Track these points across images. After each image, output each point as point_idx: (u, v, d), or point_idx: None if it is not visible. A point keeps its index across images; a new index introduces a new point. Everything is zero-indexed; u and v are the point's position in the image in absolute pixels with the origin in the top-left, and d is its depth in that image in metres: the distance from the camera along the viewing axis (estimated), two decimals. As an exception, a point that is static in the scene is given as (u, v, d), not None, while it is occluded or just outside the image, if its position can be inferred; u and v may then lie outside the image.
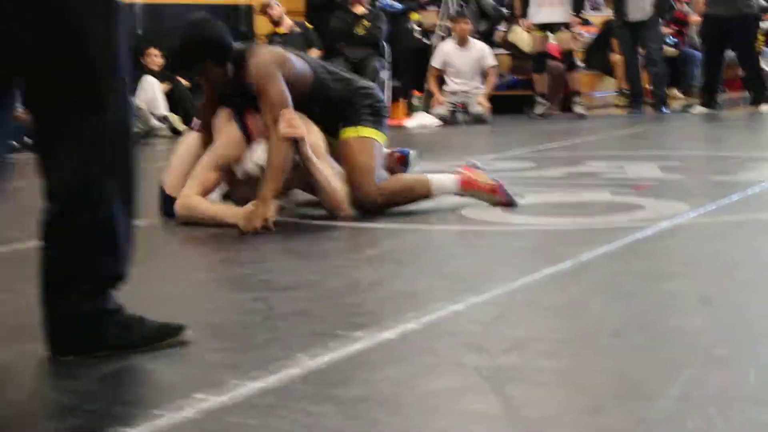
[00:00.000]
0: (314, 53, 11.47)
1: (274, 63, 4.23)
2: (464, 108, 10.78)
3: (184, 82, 10.80)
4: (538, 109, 10.81)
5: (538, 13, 10.66)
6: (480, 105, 10.63)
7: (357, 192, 4.24)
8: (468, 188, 4.40)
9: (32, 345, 2.52)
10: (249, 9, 12.28)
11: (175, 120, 10.32)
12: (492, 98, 10.95)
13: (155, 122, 10.07)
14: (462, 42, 10.89)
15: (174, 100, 10.51)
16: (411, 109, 11.52)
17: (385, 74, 11.20)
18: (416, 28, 12.12)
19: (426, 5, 12.77)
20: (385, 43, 11.32)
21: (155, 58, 10.75)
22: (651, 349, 2.33)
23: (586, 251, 3.38)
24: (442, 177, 4.44)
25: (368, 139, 4.42)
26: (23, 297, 3.08)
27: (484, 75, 10.92)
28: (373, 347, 2.38)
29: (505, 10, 12.47)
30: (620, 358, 2.28)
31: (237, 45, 4.34)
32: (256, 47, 4.49)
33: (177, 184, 4.30)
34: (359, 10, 11.19)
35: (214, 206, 4.18)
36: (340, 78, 4.54)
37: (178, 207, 4.16)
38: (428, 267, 3.36)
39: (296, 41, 11.57)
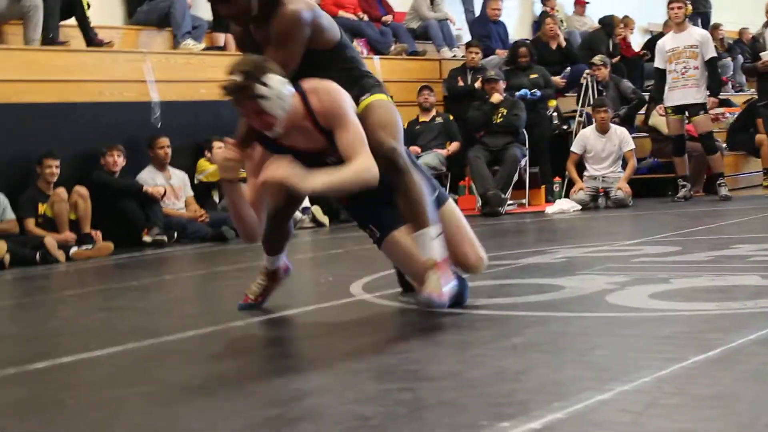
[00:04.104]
0: (454, 146, 11.60)
1: (306, 23, 4.03)
2: (605, 193, 10.70)
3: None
4: (681, 192, 10.65)
5: (671, 97, 10.56)
6: (620, 189, 10.54)
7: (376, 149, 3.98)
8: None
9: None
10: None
11: (318, 212, 10.47)
12: (634, 182, 10.84)
13: (298, 214, 10.23)
14: (602, 129, 10.86)
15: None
16: (551, 196, 11.48)
17: (524, 161, 11.22)
18: (554, 114, 12.11)
19: (564, 91, 12.77)
20: (524, 131, 11.35)
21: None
22: (810, 440, 2.23)
23: (736, 338, 3.28)
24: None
25: (381, 102, 4.18)
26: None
27: (624, 160, 10.86)
28: (520, 438, 2.34)
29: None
30: (778, 450, 2.19)
31: None
32: None
33: None
34: (496, 98, 11.26)
35: None
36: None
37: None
38: (573, 355, 3.30)
39: (435, 130, 11.70)
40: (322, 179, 3.78)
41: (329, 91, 3.95)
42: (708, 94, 10.53)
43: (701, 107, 10.47)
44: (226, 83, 3.78)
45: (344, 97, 3.98)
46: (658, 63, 10.80)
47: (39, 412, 3.06)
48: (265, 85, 3.78)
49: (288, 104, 3.86)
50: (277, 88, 3.82)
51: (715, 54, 10.75)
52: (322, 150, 4.00)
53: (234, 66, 3.80)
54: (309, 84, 3.98)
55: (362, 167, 3.85)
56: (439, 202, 4.33)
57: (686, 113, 10.57)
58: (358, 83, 4.20)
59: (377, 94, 4.19)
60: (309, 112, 3.93)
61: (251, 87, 3.78)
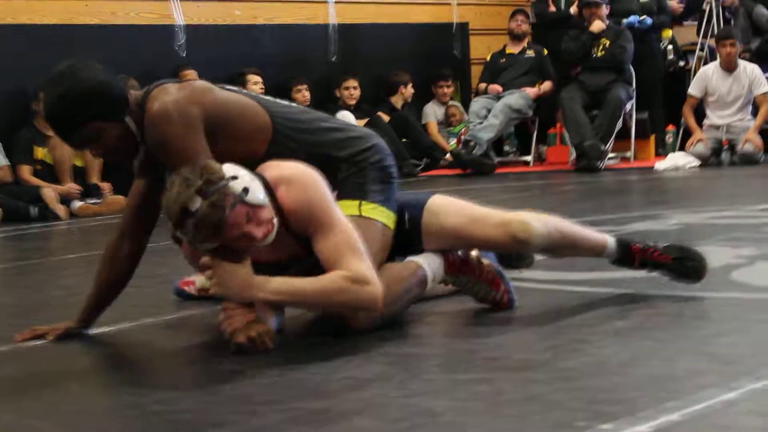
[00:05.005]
0: (546, 85, 11.55)
1: (189, 101, 3.59)
2: (730, 146, 10.59)
3: (384, 117, 10.99)
4: (827, 147, 10.53)
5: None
6: (749, 141, 10.41)
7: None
8: (454, 272, 3.84)
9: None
10: (463, 28, 12.42)
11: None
12: (765, 133, 10.72)
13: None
14: (728, 66, 10.71)
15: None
16: (662, 148, 11.40)
17: (630, 105, 11.14)
18: (669, 47, 11.98)
19: (682, 19, 12.60)
20: (631, 67, 11.24)
21: (353, 90, 10.99)
22: None
23: None
24: (432, 261, 3.82)
25: (371, 222, 3.71)
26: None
27: (754, 105, 10.72)
28: (625, 443, 2.33)
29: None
30: None
31: (137, 92, 3.75)
32: (162, 84, 3.69)
33: None
34: (598, 27, 11.17)
35: None
36: (323, 128, 3.84)
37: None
38: (691, 344, 3.29)
39: (524, 64, 11.63)
40: (275, 287, 3.38)
41: (305, 185, 3.50)
42: None
43: None
44: (205, 218, 3.24)
45: (323, 190, 3.52)
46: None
47: (37, 394, 3.11)
48: (234, 177, 3.31)
49: (262, 189, 3.41)
50: (239, 170, 3.37)
51: None
52: (285, 260, 3.58)
53: (175, 204, 3.25)
54: (273, 171, 3.53)
55: (341, 285, 3.39)
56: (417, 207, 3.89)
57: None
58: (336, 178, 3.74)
59: (366, 202, 3.76)
60: (277, 209, 3.46)
61: (227, 191, 3.27)
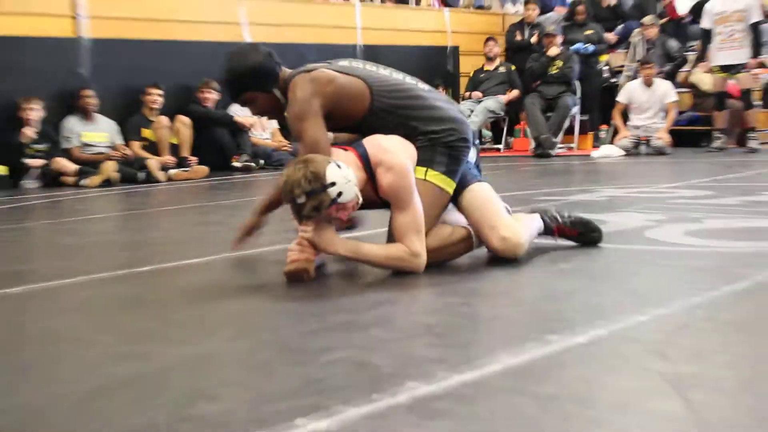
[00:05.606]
0: (514, 93, 11.52)
1: (314, 94, 3.52)
2: (646, 141, 10.57)
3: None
4: (716, 143, 10.49)
5: (718, 56, 10.35)
6: (661, 138, 10.41)
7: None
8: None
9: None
10: (455, 50, 12.39)
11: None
12: (674, 133, 10.70)
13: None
14: (647, 83, 10.70)
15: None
16: (597, 141, 11.40)
17: (575, 109, 11.13)
18: (605, 68, 11.95)
19: (615, 47, 12.58)
20: (576, 82, 11.23)
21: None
22: (827, 364, 2.23)
23: (762, 272, 3.26)
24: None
25: (432, 186, 3.60)
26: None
27: (665, 111, 10.70)
28: (566, 350, 2.36)
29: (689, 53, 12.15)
30: (797, 371, 2.19)
31: (288, 71, 3.71)
32: (300, 75, 3.61)
33: None
34: (553, 52, 11.15)
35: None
36: (414, 95, 3.74)
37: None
38: (615, 281, 3.31)
39: (498, 78, 11.62)
40: (349, 247, 3.40)
41: (400, 173, 3.42)
42: (750, 55, 10.30)
43: (744, 66, 10.27)
44: (305, 213, 3.29)
45: (411, 179, 3.45)
46: (705, 24, 10.56)
47: (145, 307, 3.15)
48: (332, 184, 3.25)
49: (356, 179, 3.37)
50: (339, 174, 3.28)
51: (760, 18, 10.48)
52: (365, 205, 3.53)
53: (288, 193, 3.27)
54: (376, 152, 3.47)
55: (401, 256, 3.41)
56: (464, 185, 3.71)
57: (730, 72, 10.36)
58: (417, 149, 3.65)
59: (431, 170, 3.63)
60: (371, 180, 3.47)
61: (325, 197, 3.26)
